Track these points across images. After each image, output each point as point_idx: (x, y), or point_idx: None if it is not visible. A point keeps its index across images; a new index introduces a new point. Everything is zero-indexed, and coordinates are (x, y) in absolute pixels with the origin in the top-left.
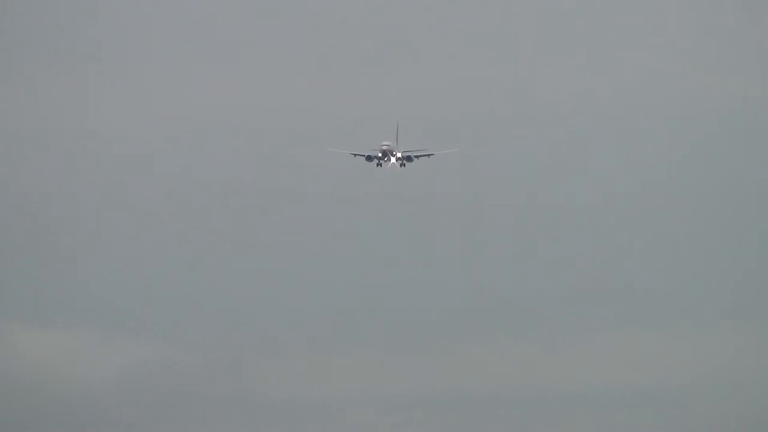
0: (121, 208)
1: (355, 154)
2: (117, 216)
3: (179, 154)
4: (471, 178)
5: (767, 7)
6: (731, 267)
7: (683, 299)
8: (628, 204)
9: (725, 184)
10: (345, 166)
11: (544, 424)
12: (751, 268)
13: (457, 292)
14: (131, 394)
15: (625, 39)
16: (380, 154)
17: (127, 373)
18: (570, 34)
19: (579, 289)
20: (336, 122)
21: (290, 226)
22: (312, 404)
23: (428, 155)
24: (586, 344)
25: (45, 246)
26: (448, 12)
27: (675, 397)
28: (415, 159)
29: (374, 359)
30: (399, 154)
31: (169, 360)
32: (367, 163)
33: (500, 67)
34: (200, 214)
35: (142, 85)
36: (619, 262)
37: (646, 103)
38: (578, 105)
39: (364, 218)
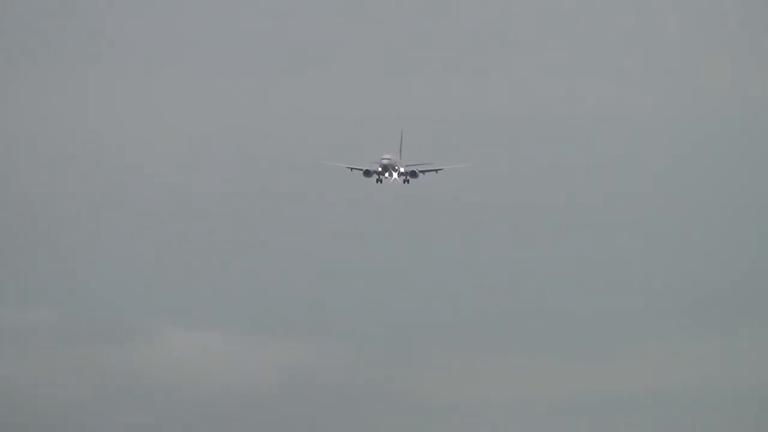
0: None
1: (352, 168)
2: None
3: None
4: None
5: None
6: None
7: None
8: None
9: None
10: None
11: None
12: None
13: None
14: (278, 396)
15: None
16: (380, 169)
17: (271, 375)
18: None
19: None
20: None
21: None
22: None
23: (436, 170)
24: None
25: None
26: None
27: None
28: (421, 174)
29: (515, 361)
30: (402, 169)
31: (306, 361)
32: (365, 178)
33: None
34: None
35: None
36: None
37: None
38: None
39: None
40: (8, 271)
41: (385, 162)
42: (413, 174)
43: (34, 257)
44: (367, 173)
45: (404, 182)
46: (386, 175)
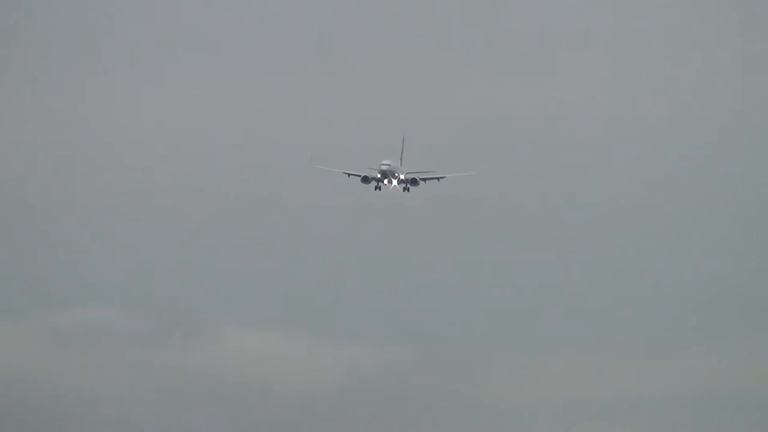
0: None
1: (349, 174)
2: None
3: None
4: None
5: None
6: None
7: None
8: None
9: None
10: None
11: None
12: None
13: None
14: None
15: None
16: (379, 175)
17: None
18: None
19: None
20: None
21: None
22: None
23: (438, 178)
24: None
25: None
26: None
27: None
28: (422, 182)
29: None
30: (402, 176)
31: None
32: (363, 185)
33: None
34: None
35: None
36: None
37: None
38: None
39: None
40: (63, 271)
41: (384, 168)
42: (414, 181)
43: (93, 257)
44: (366, 179)
45: (404, 190)
46: (385, 182)
